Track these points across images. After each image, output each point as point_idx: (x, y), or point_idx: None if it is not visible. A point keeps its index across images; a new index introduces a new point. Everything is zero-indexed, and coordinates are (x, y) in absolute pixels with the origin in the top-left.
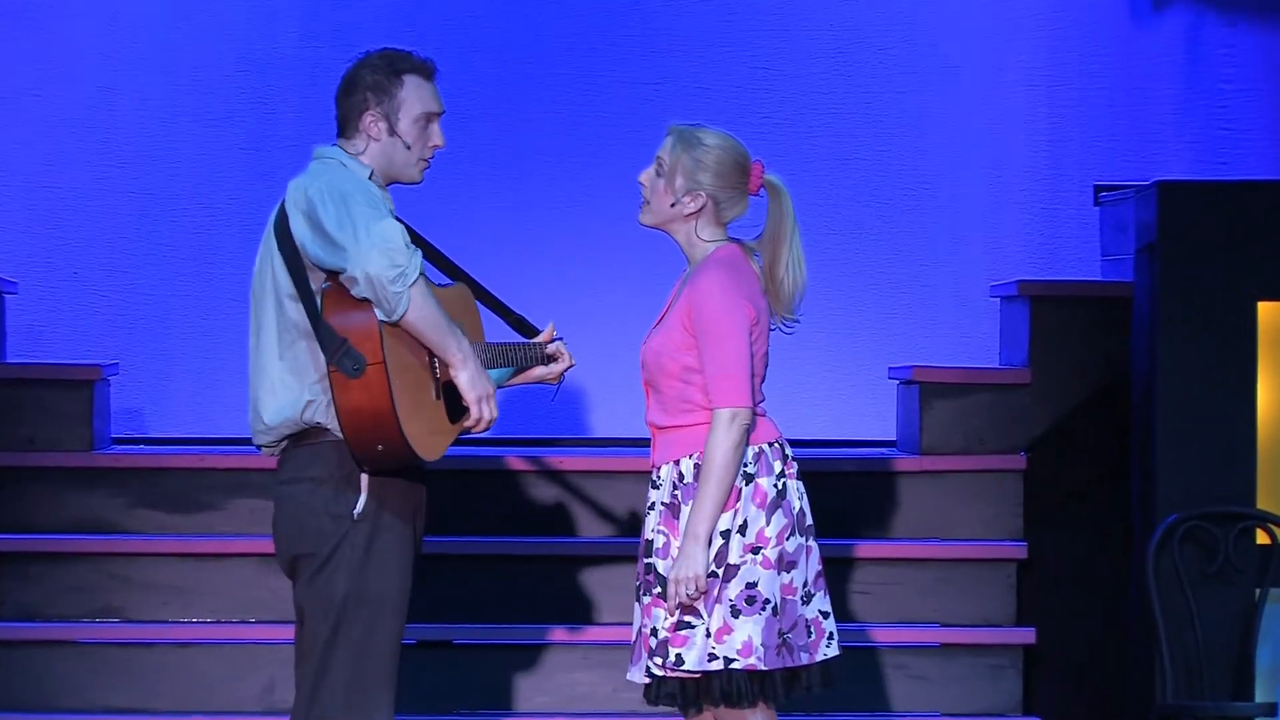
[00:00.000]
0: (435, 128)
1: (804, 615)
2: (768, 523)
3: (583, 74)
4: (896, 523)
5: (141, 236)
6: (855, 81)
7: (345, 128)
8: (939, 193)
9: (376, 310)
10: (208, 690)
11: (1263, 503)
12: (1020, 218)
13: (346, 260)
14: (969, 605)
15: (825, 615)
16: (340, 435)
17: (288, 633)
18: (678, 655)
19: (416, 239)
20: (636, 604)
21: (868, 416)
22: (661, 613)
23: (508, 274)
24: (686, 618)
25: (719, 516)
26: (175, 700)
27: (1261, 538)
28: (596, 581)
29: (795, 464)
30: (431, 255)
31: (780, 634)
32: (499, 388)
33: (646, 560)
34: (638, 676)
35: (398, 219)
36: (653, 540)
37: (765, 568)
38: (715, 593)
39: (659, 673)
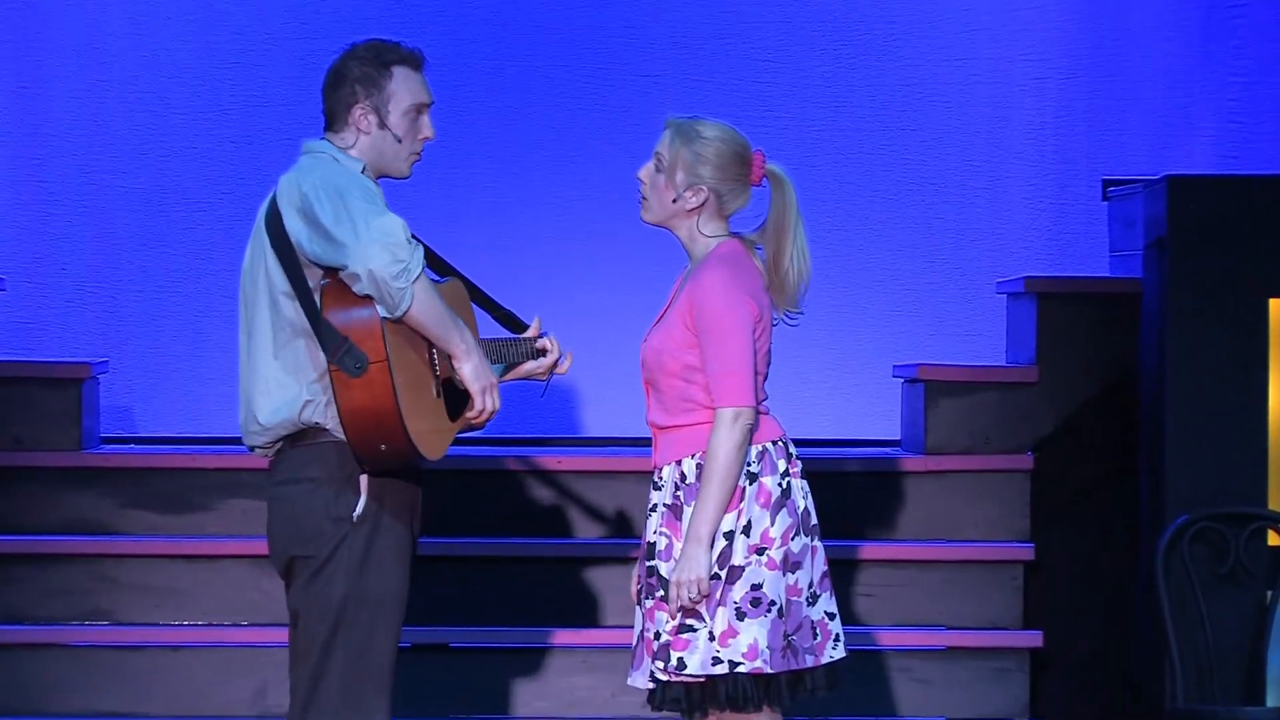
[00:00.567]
0: (425, 119)
1: (809, 617)
2: (772, 523)
3: (580, 66)
4: (901, 524)
5: (131, 232)
6: (859, 74)
7: (334, 121)
8: (945, 187)
9: (378, 307)
10: (199, 694)
11: (1274, 503)
12: (1028, 213)
13: (347, 256)
14: (974, 607)
15: (831, 617)
16: (339, 435)
17: (281, 635)
18: (679, 659)
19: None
20: (638, 607)
21: (872, 415)
22: (664, 616)
23: (503, 270)
24: (688, 621)
25: (721, 518)
26: (167, 704)
27: (1273, 539)
28: (596, 584)
29: (800, 463)
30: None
31: (785, 636)
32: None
33: (648, 563)
34: (639, 681)
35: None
36: (655, 542)
37: (770, 569)
38: (718, 595)
39: (662, 677)
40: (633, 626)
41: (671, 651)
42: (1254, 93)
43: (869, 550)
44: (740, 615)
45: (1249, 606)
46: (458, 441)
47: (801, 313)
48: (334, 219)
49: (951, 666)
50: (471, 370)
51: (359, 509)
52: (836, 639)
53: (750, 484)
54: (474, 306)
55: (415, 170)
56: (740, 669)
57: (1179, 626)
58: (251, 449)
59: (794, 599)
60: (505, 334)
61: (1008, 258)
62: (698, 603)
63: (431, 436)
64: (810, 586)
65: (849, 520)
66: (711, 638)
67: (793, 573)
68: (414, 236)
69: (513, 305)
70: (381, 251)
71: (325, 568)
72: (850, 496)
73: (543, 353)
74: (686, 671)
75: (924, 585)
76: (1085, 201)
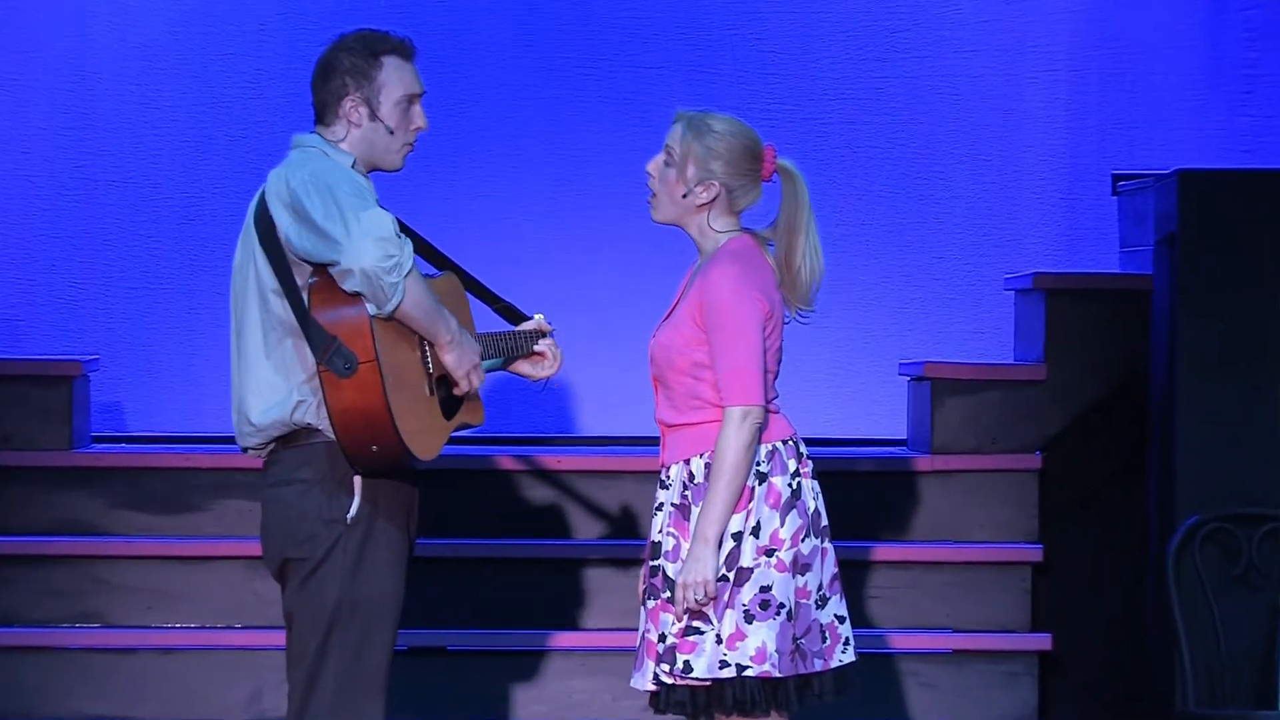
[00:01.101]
0: (417, 109)
1: (818, 620)
2: (782, 524)
3: (583, 58)
4: (907, 525)
5: (122, 227)
6: (866, 66)
7: (324, 114)
8: (953, 182)
9: (367, 304)
10: (193, 698)
11: None
12: (1037, 208)
13: (339, 253)
14: (982, 610)
15: (841, 620)
16: (332, 435)
17: (275, 639)
18: (685, 662)
19: (403, 227)
20: (642, 608)
21: (877, 414)
22: (669, 618)
23: (504, 263)
24: (695, 623)
25: (729, 518)
26: (159, 709)
27: None
28: (595, 585)
29: (811, 463)
30: (417, 244)
31: (794, 639)
32: (491, 371)
33: (654, 563)
34: (641, 683)
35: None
36: (661, 542)
37: (779, 571)
38: (726, 597)
39: (668, 680)
40: (636, 629)
41: (677, 654)
42: (1267, 86)
43: (873, 552)
44: (749, 618)
45: (1262, 609)
46: (455, 441)
47: (814, 310)
48: (324, 214)
49: (958, 670)
50: (454, 359)
51: (352, 511)
52: (846, 643)
53: (759, 484)
54: (473, 300)
55: (413, 163)
56: (748, 672)
57: (1190, 629)
58: (244, 449)
59: (803, 602)
60: (504, 327)
61: (1017, 253)
62: (704, 605)
63: (425, 436)
64: (820, 589)
65: (853, 521)
66: (719, 640)
67: (802, 575)
68: (405, 229)
69: (504, 295)
70: (373, 247)
71: (318, 570)
72: (855, 497)
73: (540, 356)
74: (693, 674)
75: (930, 587)
76: (1096, 196)
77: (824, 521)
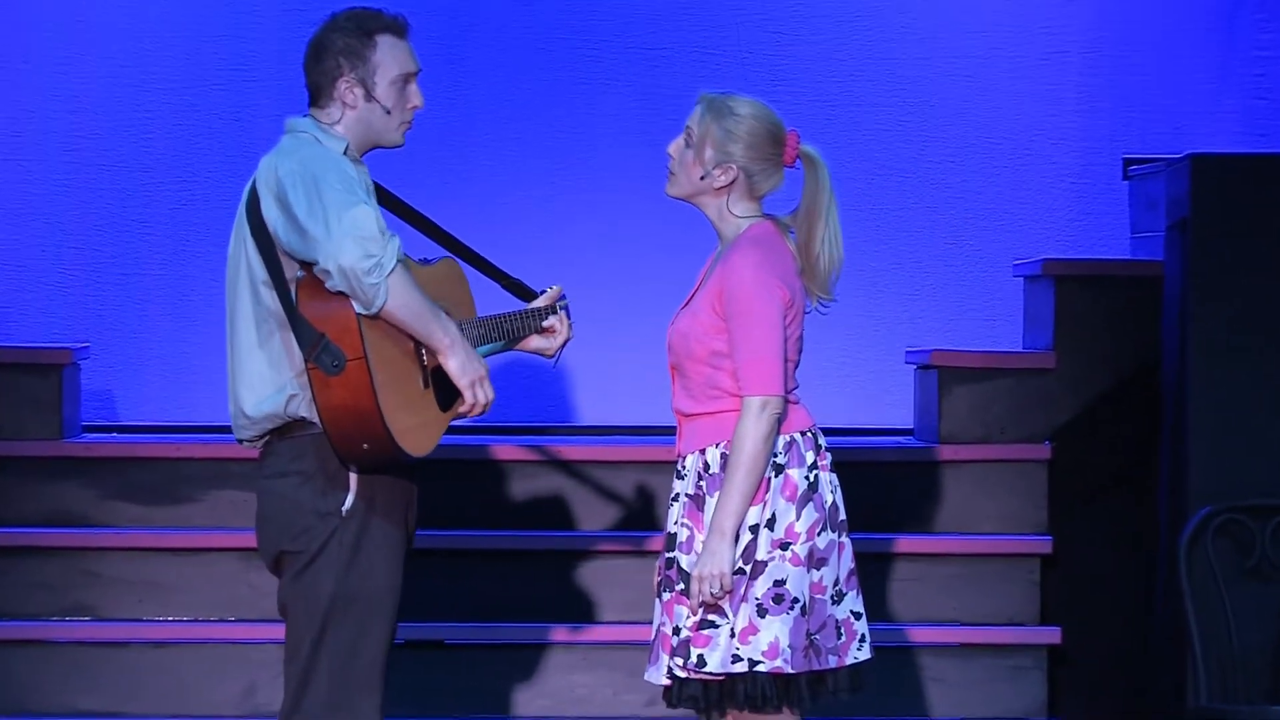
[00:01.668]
0: (413, 87)
1: (834, 616)
2: (798, 517)
3: (586, 38)
4: (913, 516)
5: (113, 212)
6: (874, 47)
7: (318, 96)
8: (962, 166)
9: (354, 302)
10: (185, 692)
11: None
12: (1047, 193)
13: (318, 252)
14: (990, 603)
15: (857, 616)
16: None
17: (269, 632)
18: (700, 656)
19: (402, 207)
20: (657, 600)
21: (883, 403)
22: (684, 611)
23: (503, 246)
24: (710, 617)
25: (747, 510)
26: (151, 703)
27: None
28: (597, 578)
29: (829, 455)
30: (419, 223)
31: (808, 635)
32: (495, 354)
33: (668, 555)
34: (656, 677)
35: (381, 191)
36: (676, 534)
37: (794, 565)
38: (741, 590)
39: (681, 674)
40: (638, 622)
41: (692, 648)
42: None
43: (880, 543)
44: (761, 612)
45: (1275, 602)
46: (453, 430)
47: (834, 300)
48: (307, 210)
49: (966, 664)
50: (458, 365)
51: (348, 504)
52: (862, 639)
53: (776, 476)
54: (482, 279)
55: (411, 144)
56: (760, 668)
57: (1202, 623)
58: (240, 441)
59: (818, 597)
60: (511, 305)
61: (1027, 239)
62: (720, 598)
63: (418, 432)
64: (836, 584)
65: (858, 512)
66: (733, 634)
67: (818, 569)
68: (403, 210)
69: (512, 273)
70: (353, 246)
71: (313, 563)
72: (860, 487)
73: (550, 331)
74: (706, 669)
75: (937, 580)
76: (1108, 181)
77: (842, 516)
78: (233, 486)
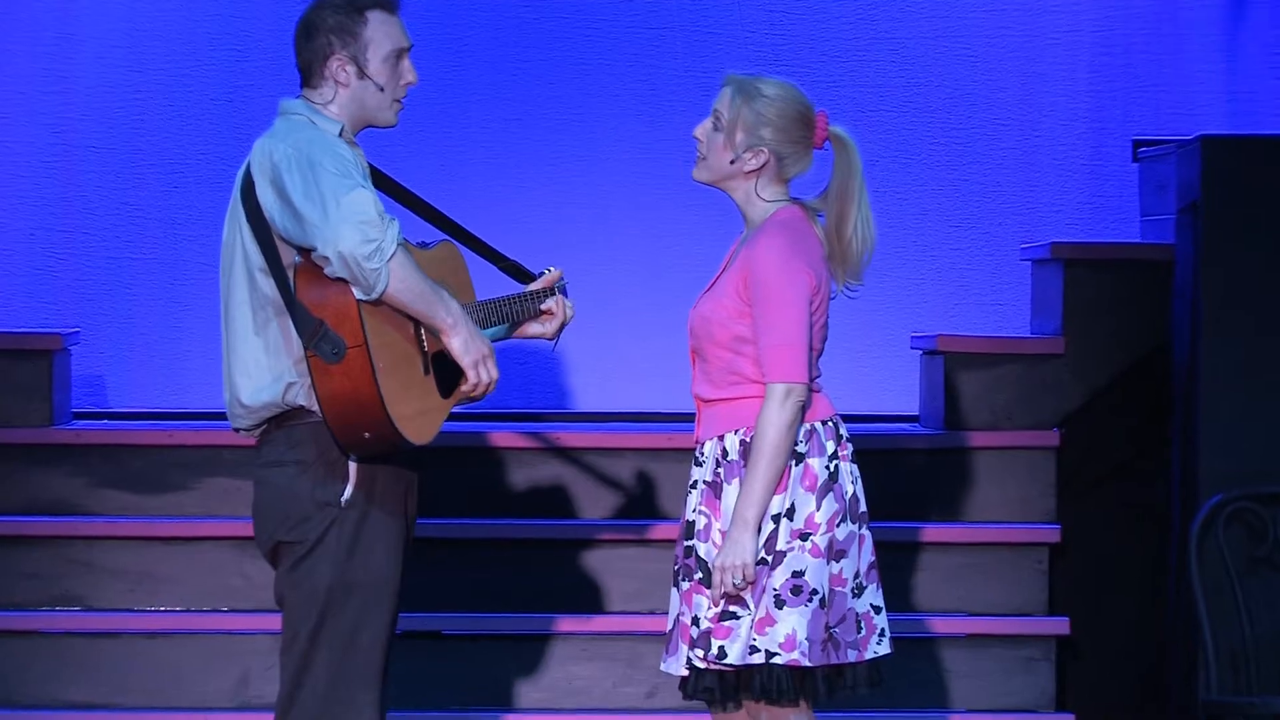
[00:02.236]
0: (406, 64)
1: (854, 609)
2: (817, 507)
3: (585, 18)
4: (919, 504)
5: (104, 195)
6: (881, 27)
7: (310, 76)
8: (971, 148)
9: (354, 288)
10: (177, 684)
11: None
12: (1057, 175)
13: (315, 238)
14: (998, 593)
15: (877, 610)
16: None
17: (263, 622)
18: (720, 647)
19: (398, 190)
20: (674, 589)
21: (889, 389)
22: (704, 601)
23: (501, 230)
24: (732, 608)
25: (770, 500)
26: (142, 695)
27: None
28: (598, 567)
29: (850, 445)
30: (416, 206)
31: (827, 628)
32: (497, 341)
33: (686, 543)
34: (674, 668)
35: (377, 174)
36: (694, 521)
37: (813, 556)
38: (762, 581)
39: (700, 665)
40: (638, 613)
41: (713, 639)
42: None
43: (885, 532)
44: (779, 603)
45: None
46: (451, 417)
47: (862, 284)
48: (303, 195)
49: (973, 655)
50: (461, 344)
51: (347, 494)
52: (882, 634)
53: (796, 465)
54: (480, 262)
55: (407, 127)
56: (776, 660)
57: (1213, 612)
58: (236, 430)
59: (838, 589)
60: (510, 289)
61: (1036, 222)
62: (742, 589)
63: (419, 419)
64: (856, 577)
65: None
66: (751, 625)
67: (837, 561)
68: (401, 193)
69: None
70: (352, 231)
71: (311, 554)
72: (865, 475)
73: (548, 313)
74: (726, 660)
75: (944, 570)
76: (1119, 163)
77: (862, 507)
78: (225, 474)
